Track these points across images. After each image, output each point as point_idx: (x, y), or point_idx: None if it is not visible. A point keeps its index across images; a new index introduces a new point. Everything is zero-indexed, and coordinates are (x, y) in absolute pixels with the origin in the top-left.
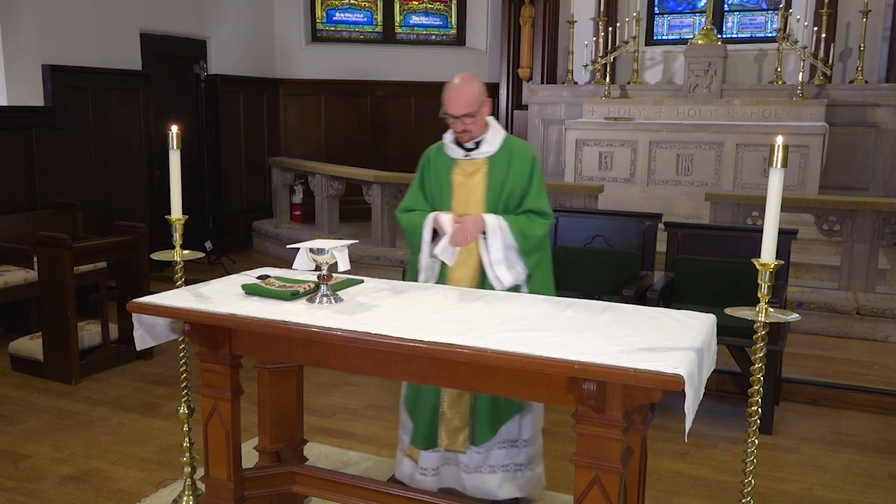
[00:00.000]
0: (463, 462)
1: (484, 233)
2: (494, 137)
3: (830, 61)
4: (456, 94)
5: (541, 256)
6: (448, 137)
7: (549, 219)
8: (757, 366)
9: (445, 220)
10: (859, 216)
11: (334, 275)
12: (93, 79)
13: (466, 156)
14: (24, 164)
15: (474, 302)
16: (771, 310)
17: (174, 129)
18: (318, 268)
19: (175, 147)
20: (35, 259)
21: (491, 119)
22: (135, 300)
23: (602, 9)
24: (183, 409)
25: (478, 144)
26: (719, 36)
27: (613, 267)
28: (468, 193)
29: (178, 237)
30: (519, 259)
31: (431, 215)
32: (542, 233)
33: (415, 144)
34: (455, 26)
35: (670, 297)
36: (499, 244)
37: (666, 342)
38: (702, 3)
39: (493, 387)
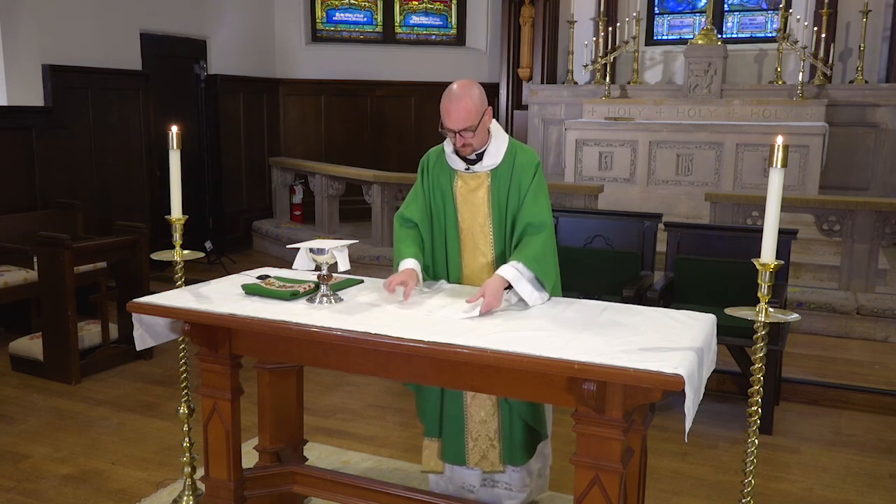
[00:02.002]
0: (503, 481)
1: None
2: (497, 149)
3: (830, 61)
4: (454, 108)
5: (555, 272)
6: (448, 147)
7: (546, 229)
8: (757, 366)
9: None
10: (859, 216)
11: (334, 275)
12: (93, 79)
13: (468, 169)
14: (24, 164)
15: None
16: (771, 310)
17: (174, 129)
18: (318, 268)
19: (175, 147)
20: (35, 259)
21: (493, 126)
22: (135, 300)
23: (602, 9)
24: (183, 409)
25: (480, 156)
26: (719, 36)
27: (613, 267)
28: (473, 209)
29: (178, 237)
30: (540, 285)
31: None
32: (547, 247)
33: (415, 144)
34: (455, 26)
35: (670, 297)
36: (529, 288)
37: (666, 342)
38: (702, 3)
39: (493, 387)
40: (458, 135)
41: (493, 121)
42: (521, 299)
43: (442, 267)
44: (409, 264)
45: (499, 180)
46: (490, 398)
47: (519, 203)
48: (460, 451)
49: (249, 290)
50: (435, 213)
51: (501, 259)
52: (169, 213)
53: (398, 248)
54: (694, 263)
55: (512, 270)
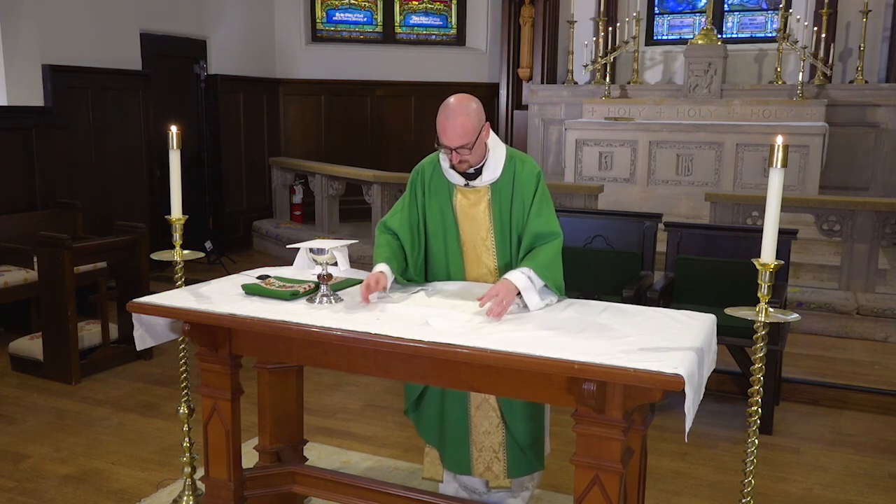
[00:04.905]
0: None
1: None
2: (496, 163)
3: (830, 61)
4: (451, 125)
5: (562, 281)
6: (445, 162)
7: (557, 238)
8: (757, 366)
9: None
10: (859, 216)
11: (334, 275)
12: (93, 79)
13: (467, 184)
14: (24, 164)
15: (473, 302)
16: (771, 310)
17: (174, 129)
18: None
19: (175, 147)
20: (35, 259)
21: (491, 139)
22: (135, 300)
23: (602, 9)
24: (183, 409)
25: (478, 170)
26: (719, 36)
27: (613, 267)
28: (474, 223)
29: (178, 237)
30: (550, 292)
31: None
32: (557, 254)
33: (415, 144)
34: (455, 26)
35: (670, 297)
36: (536, 298)
37: (666, 342)
38: (702, 3)
39: (493, 387)
40: (454, 152)
41: (492, 133)
42: (525, 306)
43: (444, 280)
44: (379, 268)
45: (500, 193)
46: (494, 412)
47: (523, 217)
48: (465, 461)
49: (249, 290)
50: (433, 228)
51: (506, 271)
52: (169, 213)
53: (374, 254)
54: (694, 263)
55: (524, 279)
